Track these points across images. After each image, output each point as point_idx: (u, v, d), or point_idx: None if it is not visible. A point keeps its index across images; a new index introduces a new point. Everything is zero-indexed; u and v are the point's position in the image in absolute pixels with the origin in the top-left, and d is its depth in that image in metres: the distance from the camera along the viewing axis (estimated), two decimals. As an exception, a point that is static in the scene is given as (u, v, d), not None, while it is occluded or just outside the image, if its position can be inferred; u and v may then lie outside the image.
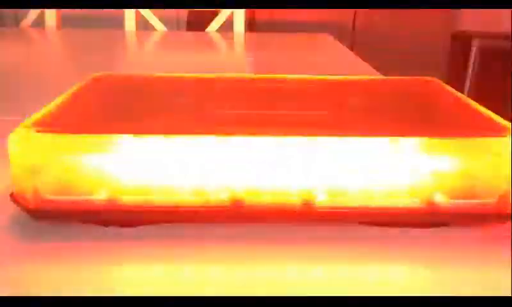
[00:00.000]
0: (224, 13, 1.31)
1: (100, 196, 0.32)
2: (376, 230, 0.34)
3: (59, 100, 0.38)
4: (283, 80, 0.48)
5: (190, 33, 1.43)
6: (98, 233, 0.33)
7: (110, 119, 0.36)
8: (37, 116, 0.34)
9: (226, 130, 0.33)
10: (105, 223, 0.33)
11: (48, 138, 0.32)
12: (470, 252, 0.32)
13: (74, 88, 0.42)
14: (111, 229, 0.33)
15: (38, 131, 0.32)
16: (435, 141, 0.33)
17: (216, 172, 0.33)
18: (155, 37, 1.23)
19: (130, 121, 0.35)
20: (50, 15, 1.27)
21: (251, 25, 2.15)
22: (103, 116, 0.37)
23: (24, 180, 0.32)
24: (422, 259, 0.32)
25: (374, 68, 0.85)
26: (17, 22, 1.31)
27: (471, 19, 2.30)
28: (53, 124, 0.33)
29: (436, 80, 0.47)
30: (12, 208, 0.34)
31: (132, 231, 0.33)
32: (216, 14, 1.32)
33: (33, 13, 1.28)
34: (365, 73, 0.83)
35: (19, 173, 0.32)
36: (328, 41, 1.20)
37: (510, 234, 0.34)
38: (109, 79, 0.46)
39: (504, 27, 2.19)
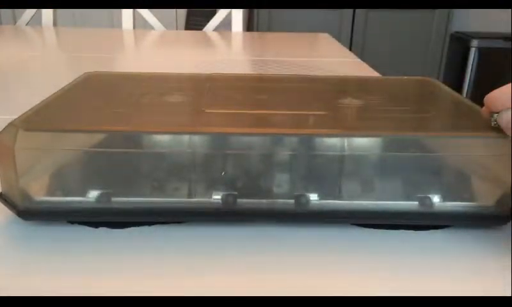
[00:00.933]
0: (222, 12, 1.30)
1: (90, 196, 0.32)
2: (372, 231, 0.33)
3: (50, 97, 0.38)
4: (281, 79, 0.47)
5: (188, 32, 1.43)
6: (88, 234, 0.32)
7: (101, 117, 0.35)
8: (26, 114, 0.34)
9: (222, 128, 0.32)
10: (95, 224, 0.33)
11: (36, 136, 0.31)
12: (469, 253, 0.32)
13: (66, 86, 0.41)
14: (100, 230, 0.32)
15: (27, 129, 0.31)
16: (433, 142, 0.33)
17: (209, 171, 0.32)
18: (153, 36, 1.22)
19: (122, 119, 0.34)
20: (47, 13, 1.26)
21: (249, 25, 2.15)
22: (94, 114, 0.36)
23: (11, 180, 0.31)
24: (422, 260, 0.31)
25: (373, 67, 0.84)
26: (14, 19, 1.30)
27: (470, 20, 2.30)
28: (42, 122, 0.33)
29: (434, 80, 0.47)
30: (1, 209, 0.33)
31: (123, 232, 0.32)
32: (214, 13, 1.31)
33: (30, 11, 1.27)
34: (364, 72, 0.83)
35: (7, 173, 0.32)
36: (326, 40, 1.20)
37: (510, 235, 0.33)
38: (101, 77, 0.45)
39: (503, 28, 2.19)
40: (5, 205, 0.32)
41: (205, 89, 0.42)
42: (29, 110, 0.34)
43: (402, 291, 0.28)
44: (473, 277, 0.30)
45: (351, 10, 2.19)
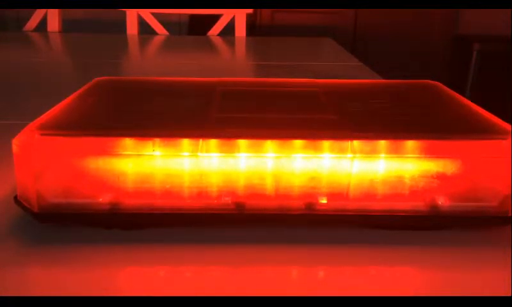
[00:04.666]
0: (225, 17, 1.31)
1: (103, 199, 0.33)
2: (377, 232, 0.34)
3: (62, 103, 0.39)
4: (285, 84, 0.48)
5: (191, 37, 1.44)
6: (101, 236, 0.33)
7: (113, 122, 0.36)
8: (41, 119, 0.35)
9: (228, 133, 0.33)
10: (108, 226, 0.33)
11: (52, 141, 0.32)
12: (471, 254, 0.32)
13: (77, 92, 0.42)
14: (113, 232, 0.33)
15: (42, 134, 0.32)
16: (436, 144, 0.33)
17: (219, 175, 0.33)
18: (157, 41, 1.23)
19: (133, 124, 0.35)
20: (53, 19, 1.27)
21: (252, 30, 2.16)
22: (106, 120, 0.37)
23: (28, 183, 0.32)
24: (424, 261, 0.32)
25: (375, 71, 0.85)
26: (20, 26, 1.32)
27: (471, 22, 2.30)
28: (57, 127, 0.34)
29: (437, 83, 0.47)
30: (16, 211, 0.34)
31: (135, 234, 0.33)
32: (217, 18, 1.32)
33: (36, 18, 1.29)
34: (366, 76, 0.83)
35: (23, 176, 0.32)
36: (329, 44, 1.20)
37: (510, 236, 0.34)
38: (111, 83, 0.46)
39: (504, 31, 2.19)
40: (20, 208, 0.33)
41: (215, 94, 0.42)
42: (43, 115, 0.35)
43: (403, 290, 0.29)
44: (474, 277, 0.30)
45: (353, 14, 2.19)
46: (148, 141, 0.32)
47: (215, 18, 1.32)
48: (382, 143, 0.33)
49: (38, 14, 1.29)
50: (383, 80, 0.68)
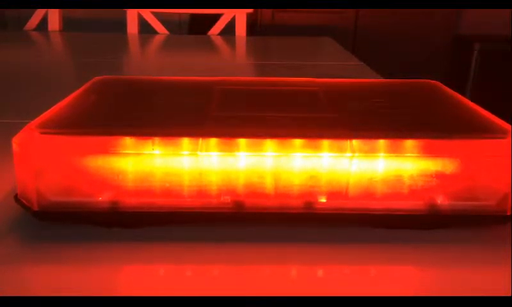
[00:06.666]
0: (226, 17, 1.31)
1: (103, 197, 0.33)
2: (376, 231, 0.34)
3: (62, 102, 0.39)
4: (285, 83, 0.48)
5: (192, 36, 1.44)
6: (101, 234, 0.33)
7: (113, 121, 0.36)
8: (41, 118, 0.35)
9: (227, 132, 0.33)
10: (108, 224, 0.34)
11: (52, 140, 0.32)
12: (470, 253, 0.32)
13: (77, 91, 0.42)
14: (113, 231, 0.33)
15: (42, 133, 0.32)
16: (436, 143, 0.33)
17: (218, 174, 0.33)
18: (157, 40, 1.23)
19: (133, 123, 0.35)
20: (53, 19, 1.27)
21: (252, 29, 2.16)
22: (106, 118, 0.37)
23: (28, 181, 0.32)
24: (423, 260, 0.32)
25: (376, 71, 0.85)
26: (20, 26, 1.32)
27: (472, 22, 2.30)
28: (57, 126, 0.34)
29: (437, 82, 0.47)
30: (16, 210, 0.34)
31: (135, 232, 0.33)
32: (217, 17, 1.32)
33: (36, 17, 1.29)
34: (366, 76, 0.83)
35: (23, 175, 0.33)
36: (329, 44, 1.20)
37: (510, 235, 0.34)
38: (111, 82, 0.46)
39: (505, 30, 2.19)
40: (20, 206, 0.33)
41: (215, 93, 0.42)
42: (43, 114, 0.35)
43: (402, 289, 0.29)
44: (473, 276, 0.30)
45: (353, 14, 2.19)
46: (147, 139, 0.32)
47: (215, 18, 1.32)
48: (381, 142, 0.33)
49: (39, 13, 1.29)
50: (383, 80, 0.68)
